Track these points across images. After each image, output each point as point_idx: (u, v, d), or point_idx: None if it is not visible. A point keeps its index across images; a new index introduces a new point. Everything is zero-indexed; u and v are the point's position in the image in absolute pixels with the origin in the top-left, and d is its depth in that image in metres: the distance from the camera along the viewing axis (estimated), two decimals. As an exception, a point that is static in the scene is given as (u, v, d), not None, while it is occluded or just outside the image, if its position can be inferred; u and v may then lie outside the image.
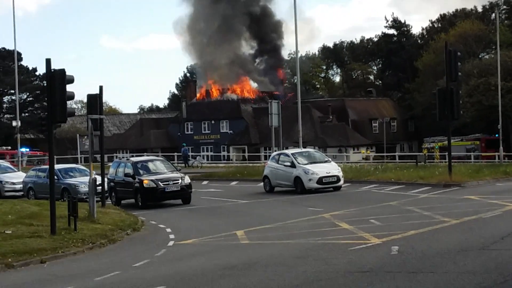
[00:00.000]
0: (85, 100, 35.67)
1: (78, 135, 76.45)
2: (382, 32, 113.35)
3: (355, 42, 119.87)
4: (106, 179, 32.64)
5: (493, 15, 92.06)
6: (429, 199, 29.21)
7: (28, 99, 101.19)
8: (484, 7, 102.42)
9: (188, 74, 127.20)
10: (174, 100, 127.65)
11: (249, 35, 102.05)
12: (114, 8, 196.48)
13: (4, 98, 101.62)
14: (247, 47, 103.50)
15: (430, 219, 22.11)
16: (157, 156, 56.64)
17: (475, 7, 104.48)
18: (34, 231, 22.33)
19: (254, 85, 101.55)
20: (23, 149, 61.40)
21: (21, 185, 38.57)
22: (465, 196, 28.96)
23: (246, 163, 69.88)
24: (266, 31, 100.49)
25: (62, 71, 22.22)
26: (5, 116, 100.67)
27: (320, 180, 34.75)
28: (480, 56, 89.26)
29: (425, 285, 13.08)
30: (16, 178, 40.03)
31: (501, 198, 27.03)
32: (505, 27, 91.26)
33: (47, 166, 30.51)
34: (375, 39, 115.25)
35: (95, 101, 29.32)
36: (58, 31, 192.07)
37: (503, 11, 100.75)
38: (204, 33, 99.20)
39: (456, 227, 20.21)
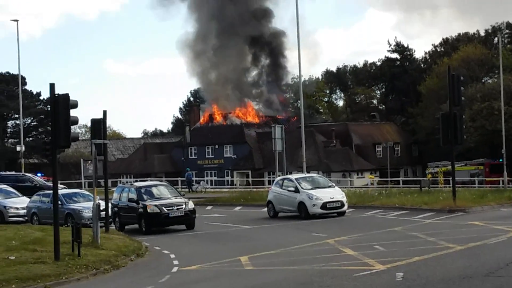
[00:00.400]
0: (89, 124, 35.73)
1: (82, 159, 76.54)
2: (385, 56, 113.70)
3: (358, 66, 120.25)
4: (109, 204, 32.61)
5: (496, 39, 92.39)
6: (434, 224, 29.16)
7: (32, 123, 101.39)
8: (486, 31, 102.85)
9: (191, 99, 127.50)
10: (178, 124, 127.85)
11: (251, 51, 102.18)
12: (118, 32, 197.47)
13: (8, 122, 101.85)
14: (250, 64, 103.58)
15: (435, 245, 22.05)
16: (161, 181, 56.62)
17: (477, 31, 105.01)
18: (38, 257, 22.29)
19: (256, 106, 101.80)
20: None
21: (25, 210, 38.49)
22: (469, 221, 28.91)
23: (250, 188, 69.73)
24: (268, 42, 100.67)
25: (66, 95, 22.25)
26: (9, 140, 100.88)
27: (324, 206, 34.71)
28: (483, 81, 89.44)
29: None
30: (20, 203, 39.94)
31: (505, 224, 26.98)
32: (508, 51, 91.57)
33: (51, 191, 30.48)
34: (378, 63, 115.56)
35: (99, 126, 29.38)
36: (62, 55, 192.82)
37: (506, 36, 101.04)
38: (207, 53, 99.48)
39: (461, 253, 20.16)
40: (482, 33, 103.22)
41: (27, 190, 43.71)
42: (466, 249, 20.72)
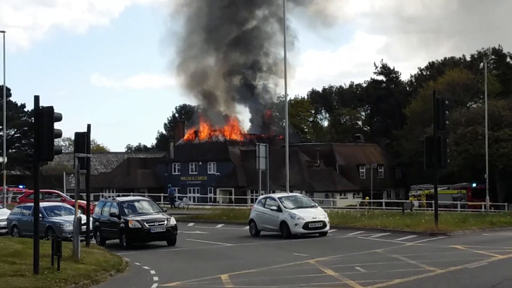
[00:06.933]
0: (72, 137, 35.64)
1: (64, 173, 76.09)
2: (371, 78, 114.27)
3: (344, 87, 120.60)
4: (91, 218, 32.40)
5: (482, 64, 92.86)
6: (415, 247, 29.16)
7: (16, 135, 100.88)
8: (472, 56, 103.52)
9: (176, 115, 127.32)
10: (162, 140, 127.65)
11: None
12: (105, 47, 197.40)
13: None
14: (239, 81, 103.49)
15: (416, 267, 22.04)
16: (143, 196, 56.41)
17: (463, 56, 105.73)
18: (17, 270, 22.06)
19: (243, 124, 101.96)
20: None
21: (6, 222, 38.22)
22: (451, 245, 28.94)
23: (232, 205, 69.69)
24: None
25: (50, 108, 22.10)
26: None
27: (306, 225, 34.65)
28: (468, 105, 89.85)
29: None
30: (1, 215, 39.65)
31: (487, 248, 27.03)
32: (493, 76, 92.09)
33: (32, 204, 30.27)
34: (364, 85, 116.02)
35: (82, 140, 29.23)
36: (49, 67, 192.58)
37: (491, 61, 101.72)
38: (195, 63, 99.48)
39: (442, 276, 20.16)
40: (468, 58, 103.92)
41: None
42: (447, 273, 20.72)
